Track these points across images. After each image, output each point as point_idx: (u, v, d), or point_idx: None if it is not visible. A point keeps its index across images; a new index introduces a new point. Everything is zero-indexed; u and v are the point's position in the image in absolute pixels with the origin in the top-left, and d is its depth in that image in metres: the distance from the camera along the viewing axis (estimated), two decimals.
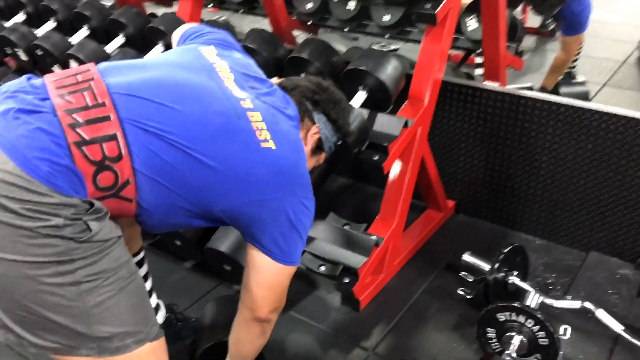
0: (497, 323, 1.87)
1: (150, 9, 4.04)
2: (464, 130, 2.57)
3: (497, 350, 1.90)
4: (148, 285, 1.89)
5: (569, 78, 3.79)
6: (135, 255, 1.77)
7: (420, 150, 2.27)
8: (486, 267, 2.09)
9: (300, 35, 4.04)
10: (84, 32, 2.81)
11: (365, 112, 2.13)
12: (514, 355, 1.81)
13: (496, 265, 2.04)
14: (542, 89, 3.52)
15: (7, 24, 2.89)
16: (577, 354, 1.96)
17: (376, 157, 2.07)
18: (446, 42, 2.20)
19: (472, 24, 2.92)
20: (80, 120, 1.19)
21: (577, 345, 1.98)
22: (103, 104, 1.22)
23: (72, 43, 2.68)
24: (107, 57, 2.54)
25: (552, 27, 4.38)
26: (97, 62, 1.41)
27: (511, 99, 2.38)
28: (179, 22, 2.57)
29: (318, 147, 1.57)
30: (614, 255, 2.39)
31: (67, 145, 1.16)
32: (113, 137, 1.20)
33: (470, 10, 2.98)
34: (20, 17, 3.02)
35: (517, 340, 1.82)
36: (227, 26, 3.08)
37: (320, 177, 2.40)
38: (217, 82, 1.38)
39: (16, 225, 1.10)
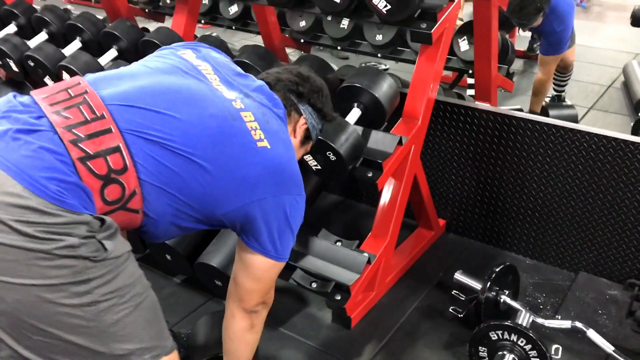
0: (489, 342, 1.87)
1: (141, 23, 4.04)
2: (456, 150, 2.59)
3: None
4: None
5: (559, 101, 3.84)
6: None
7: (413, 168, 2.28)
8: (478, 286, 2.09)
9: (291, 53, 4.07)
10: (76, 44, 2.80)
11: (359, 129, 2.14)
12: None
13: (488, 284, 2.05)
14: (531, 112, 3.56)
15: None
16: None
17: (370, 174, 2.07)
18: (440, 62, 2.22)
19: (463, 45, 2.96)
20: (82, 135, 1.17)
21: None
22: (102, 117, 1.21)
23: (65, 55, 2.66)
24: (100, 69, 2.53)
25: (539, 51, 4.44)
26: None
27: (503, 119, 2.41)
28: (173, 36, 2.57)
29: (306, 137, 1.60)
30: (603, 276, 2.41)
31: (72, 161, 1.15)
32: (116, 149, 1.20)
33: (462, 31, 3.02)
34: (11, 28, 3.00)
35: (509, 359, 1.82)
36: (221, 43, 3.09)
37: (312, 194, 2.40)
38: (206, 84, 1.38)
39: (31, 248, 1.08)
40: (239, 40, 4.63)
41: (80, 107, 1.21)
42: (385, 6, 2.02)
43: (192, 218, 1.35)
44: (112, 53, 2.72)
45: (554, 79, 3.87)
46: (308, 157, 2.01)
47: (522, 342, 1.81)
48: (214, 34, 3.82)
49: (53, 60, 2.60)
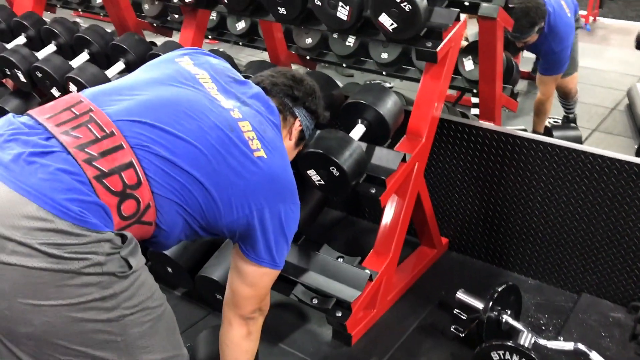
0: None
1: (149, 38, 4.07)
2: (460, 168, 2.59)
3: None
4: None
5: (567, 122, 3.84)
6: None
7: (417, 186, 2.28)
8: (480, 305, 2.08)
9: (297, 70, 4.08)
10: (84, 56, 2.82)
11: (363, 145, 2.15)
12: None
13: (490, 304, 2.04)
14: (535, 133, 3.56)
15: (9, 46, 2.90)
16: None
17: (373, 190, 2.07)
18: (445, 80, 2.23)
19: (469, 64, 2.97)
20: (95, 153, 1.19)
21: None
22: (112, 134, 1.22)
23: (72, 66, 2.68)
24: (106, 82, 2.54)
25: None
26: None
27: (506, 138, 2.42)
28: None
29: (300, 139, 1.64)
30: (606, 298, 2.40)
31: (89, 181, 1.16)
32: (130, 165, 1.21)
33: (468, 51, 3.03)
34: (21, 39, 3.03)
35: None
36: (227, 57, 3.11)
37: (314, 210, 2.39)
38: (204, 94, 1.40)
39: (60, 269, 1.09)
40: (245, 56, 4.66)
41: (89, 125, 1.22)
42: (392, 24, 2.03)
43: (199, 228, 1.38)
44: (120, 66, 2.73)
45: (561, 104, 3.88)
46: (311, 172, 2.01)
47: None
48: (221, 50, 3.86)
49: (60, 72, 2.62)
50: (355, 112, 2.17)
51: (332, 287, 2.11)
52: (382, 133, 2.18)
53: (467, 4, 2.24)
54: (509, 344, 1.82)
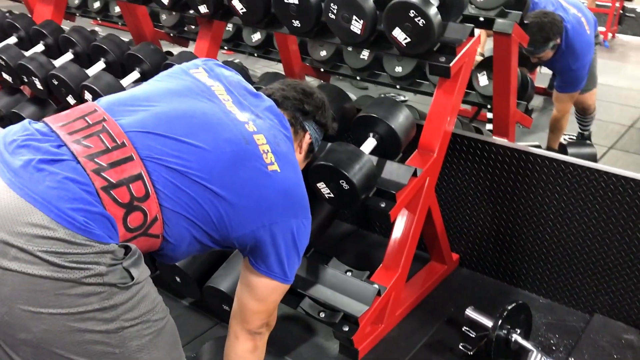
0: None
1: (166, 47, 4.11)
2: (472, 184, 2.57)
3: None
4: None
5: (582, 139, 3.80)
6: None
7: (428, 201, 2.27)
8: (489, 323, 2.06)
9: (311, 82, 4.09)
10: (100, 65, 2.85)
11: (374, 159, 2.14)
12: None
13: (499, 322, 2.01)
14: (549, 149, 3.53)
15: (27, 54, 2.94)
16: None
17: (383, 205, 2.06)
18: (458, 95, 2.22)
19: (483, 80, 2.96)
20: (104, 164, 1.18)
21: None
22: (123, 145, 1.22)
23: (88, 75, 2.71)
24: (121, 91, 2.56)
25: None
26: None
27: (520, 155, 2.39)
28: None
29: (309, 151, 1.65)
30: (619, 319, 2.35)
31: (96, 191, 1.16)
32: (139, 177, 1.21)
33: (482, 66, 3.02)
34: (39, 47, 3.07)
35: None
36: (242, 68, 3.13)
37: (324, 222, 2.38)
38: (220, 107, 1.39)
39: (60, 278, 1.09)
40: (261, 67, 4.68)
41: (100, 135, 1.22)
42: (405, 39, 2.03)
43: (209, 240, 1.37)
44: (135, 75, 2.76)
45: (577, 118, 3.84)
46: (321, 185, 2.01)
47: None
48: (237, 61, 3.89)
49: (76, 80, 2.65)
50: (366, 126, 2.17)
51: (339, 301, 2.09)
52: (393, 147, 2.17)
53: (482, 19, 2.24)
54: None
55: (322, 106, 1.64)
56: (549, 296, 2.51)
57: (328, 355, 2.17)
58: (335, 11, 2.13)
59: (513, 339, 2.03)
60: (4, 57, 2.87)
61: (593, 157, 3.34)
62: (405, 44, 2.04)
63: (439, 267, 2.64)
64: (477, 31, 2.18)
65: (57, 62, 2.86)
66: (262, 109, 1.47)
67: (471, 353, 2.08)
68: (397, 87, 3.45)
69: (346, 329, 2.09)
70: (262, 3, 2.39)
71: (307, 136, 1.61)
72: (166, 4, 2.77)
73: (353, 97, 3.76)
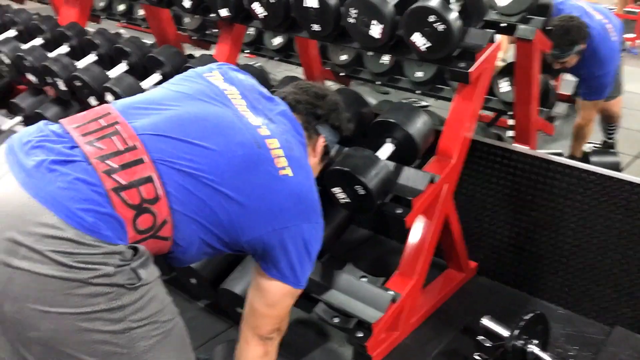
0: None
1: (188, 50, 4.15)
2: (491, 192, 2.54)
3: None
4: None
5: (606, 147, 3.73)
6: None
7: (445, 208, 2.24)
8: (505, 333, 2.02)
9: (331, 86, 4.09)
10: (122, 66, 2.88)
11: (390, 165, 2.12)
12: None
13: (516, 332, 1.97)
14: (571, 157, 3.47)
15: (51, 55, 2.99)
16: None
17: (399, 211, 2.04)
18: (478, 102, 2.20)
19: (504, 86, 2.92)
20: (115, 165, 1.19)
21: None
22: (134, 147, 1.23)
23: (110, 77, 2.74)
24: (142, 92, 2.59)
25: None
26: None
27: (541, 163, 2.36)
28: None
29: (325, 153, 1.64)
30: None
31: (106, 192, 1.17)
32: (149, 180, 1.22)
33: (504, 73, 2.99)
34: (64, 49, 3.12)
35: None
36: (262, 72, 3.14)
37: (339, 227, 2.37)
38: (233, 111, 1.40)
39: (68, 278, 1.10)
40: (282, 71, 4.69)
41: (113, 137, 1.23)
42: (424, 44, 2.01)
43: (219, 244, 1.37)
44: (156, 77, 2.78)
45: (601, 127, 3.78)
46: (337, 190, 2.00)
47: None
48: (258, 64, 3.90)
49: (98, 81, 2.68)
50: (383, 131, 2.15)
51: (354, 306, 2.08)
52: (410, 153, 2.15)
53: (503, 25, 2.21)
54: None
55: (336, 108, 1.63)
56: (568, 307, 2.46)
57: None
58: (354, 15, 2.12)
59: (530, 350, 1.99)
60: (29, 58, 2.92)
61: (617, 166, 3.27)
62: (425, 49, 2.02)
63: (456, 274, 2.61)
64: (498, 37, 2.15)
65: (80, 64, 2.89)
66: (276, 113, 1.47)
67: None
68: (418, 92, 3.42)
69: (360, 335, 2.07)
70: (282, 7, 2.39)
71: (321, 139, 1.60)
72: (188, 7, 2.79)
73: (372, 101, 3.75)
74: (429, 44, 2.01)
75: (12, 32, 3.41)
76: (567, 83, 4.46)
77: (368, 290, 2.11)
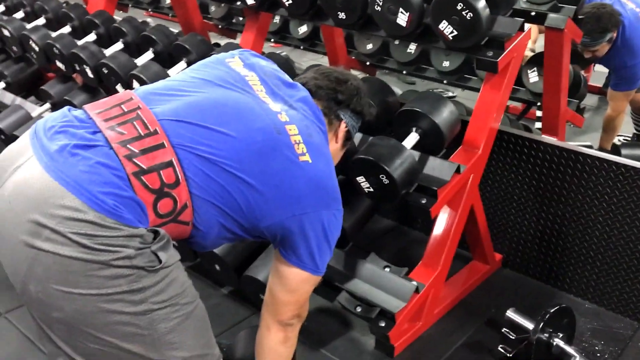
0: None
1: (214, 39, 4.16)
2: (518, 183, 2.50)
3: None
4: None
5: (637, 140, 3.65)
6: None
7: (470, 199, 2.22)
8: (530, 326, 2.00)
9: (341, 69, 4.07)
10: (149, 54, 2.90)
11: (416, 154, 2.11)
12: None
13: (541, 325, 1.95)
14: (601, 150, 3.41)
15: (79, 42, 3.02)
16: None
17: (424, 201, 2.03)
18: (506, 92, 2.16)
19: (533, 76, 2.87)
20: (136, 150, 1.21)
21: None
22: (155, 132, 1.24)
23: (137, 64, 2.76)
24: None
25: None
26: None
27: (569, 154, 2.31)
28: None
29: (347, 139, 1.62)
30: None
31: (127, 176, 1.18)
32: (169, 164, 1.22)
33: (533, 62, 2.94)
34: (91, 37, 3.15)
35: None
36: (287, 60, 3.13)
37: (362, 217, 2.36)
38: (253, 97, 1.39)
39: (89, 259, 1.12)
40: (308, 60, 4.69)
41: (134, 122, 1.25)
42: (452, 32, 1.99)
43: (238, 229, 1.37)
44: (182, 65, 2.80)
45: (633, 118, 3.70)
46: (361, 179, 1.99)
47: None
48: (284, 53, 3.90)
49: (125, 69, 2.70)
50: (409, 120, 2.13)
51: (376, 296, 2.08)
52: (436, 142, 2.13)
53: (533, 14, 2.17)
54: None
55: (357, 93, 1.60)
56: (595, 301, 2.42)
57: (364, 350, 2.15)
58: (381, 3, 2.10)
59: (555, 343, 1.97)
60: (58, 46, 2.95)
61: None
62: (452, 37, 2.00)
63: (480, 266, 2.59)
64: (527, 25, 2.11)
65: (108, 52, 2.92)
66: (296, 99, 1.47)
67: (510, 355, 2.02)
68: (444, 82, 3.38)
69: (383, 324, 2.07)
70: None
71: (343, 125, 1.58)
72: None
73: (398, 91, 3.73)
74: (456, 33, 1.98)
75: (41, 20, 3.46)
76: (598, 75, 4.37)
77: (391, 280, 2.11)
